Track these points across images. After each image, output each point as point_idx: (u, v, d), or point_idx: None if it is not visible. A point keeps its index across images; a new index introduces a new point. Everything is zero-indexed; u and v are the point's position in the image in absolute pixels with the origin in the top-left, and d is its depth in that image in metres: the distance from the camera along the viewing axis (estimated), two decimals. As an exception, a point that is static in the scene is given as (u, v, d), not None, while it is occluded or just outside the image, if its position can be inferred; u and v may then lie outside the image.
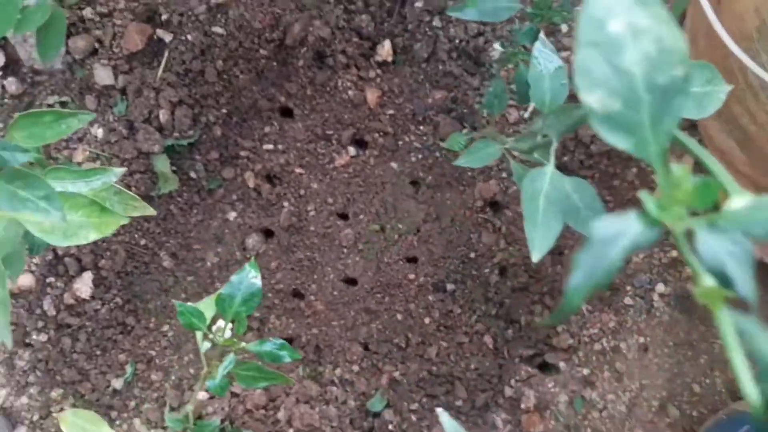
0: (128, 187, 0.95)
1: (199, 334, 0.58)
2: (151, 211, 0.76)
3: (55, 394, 0.98)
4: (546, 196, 0.64)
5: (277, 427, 0.98)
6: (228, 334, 0.59)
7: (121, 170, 0.64)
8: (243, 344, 0.58)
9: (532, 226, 0.62)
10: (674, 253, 0.98)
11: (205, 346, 0.58)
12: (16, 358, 0.99)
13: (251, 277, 0.58)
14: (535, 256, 0.61)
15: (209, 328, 0.60)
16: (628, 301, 0.99)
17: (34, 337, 0.98)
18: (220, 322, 0.58)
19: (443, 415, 0.39)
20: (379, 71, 0.98)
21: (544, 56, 0.68)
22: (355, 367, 1.00)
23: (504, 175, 0.99)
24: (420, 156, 1.00)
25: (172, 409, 1.00)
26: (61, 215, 0.50)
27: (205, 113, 0.97)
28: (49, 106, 0.97)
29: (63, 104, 0.97)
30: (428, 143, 0.99)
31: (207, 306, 0.68)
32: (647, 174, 0.96)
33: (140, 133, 0.94)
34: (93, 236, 0.54)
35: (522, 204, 0.62)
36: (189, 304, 0.67)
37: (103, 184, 0.64)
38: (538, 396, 1.00)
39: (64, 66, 0.97)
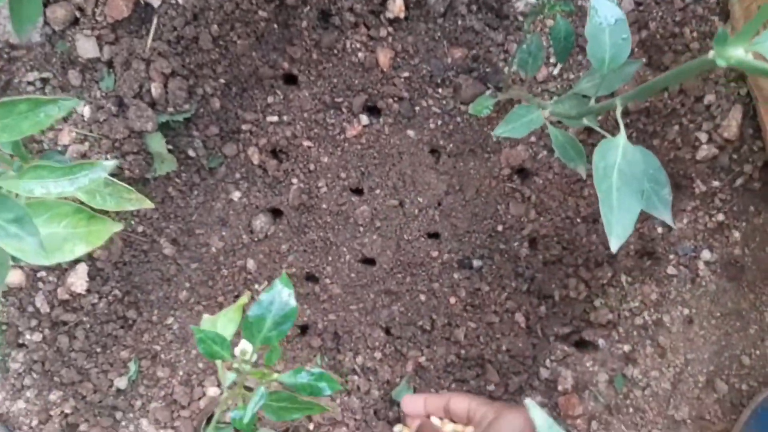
0: (121, 170, 0.86)
1: (219, 363, 0.50)
2: (148, 204, 0.68)
3: (54, 396, 0.91)
4: (620, 172, 0.56)
5: (296, 422, 0.91)
6: (254, 358, 0.50)
7: (111, 163, 0.56)
8: (275, 375, 0.50)
9: (609, 208, 0.54)
10: (720, 217, 0.89)
11: (229, 377, 0.49)
12: (10, 361, 0.91)
13: (285, 294, 0.49)
14: (614, 244, 0.53)
15: (232, 353, 0.52)
16: (671, 270, 0.91)
17: (28, 336, 0.90)
18: (244, 344, 0.49)
19: (533, 408, 0.30)
20: (390, 29, 0.88)
21: (603, 6, 0.59)
22: (378, 354, 0.92)
23: (533, 139, 0.91)
24: (439, 122, 0.91)
25: (182, 407, 0.92)
26: (36, 241, 0.41)
27: (201, 85, 0.88)
28: (29, 83, 0.88)
29: (44, 81, 0.88)
30: (448, 107, 0.90)
31: (227, 322, 0.59)
32: (689, 132, 0.88)
33: (131, 109, 0.85)
34: (81, 249, 0.45)
35: (595, 182, 0.54)
36: (208, 326, 0.58)
37: (91, 181, 0.55)
38: (576, 376, 0.92)
39: (43, 39, 0.88)
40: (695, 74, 0.85)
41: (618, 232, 0.56)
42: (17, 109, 0.53)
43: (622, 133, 0.59)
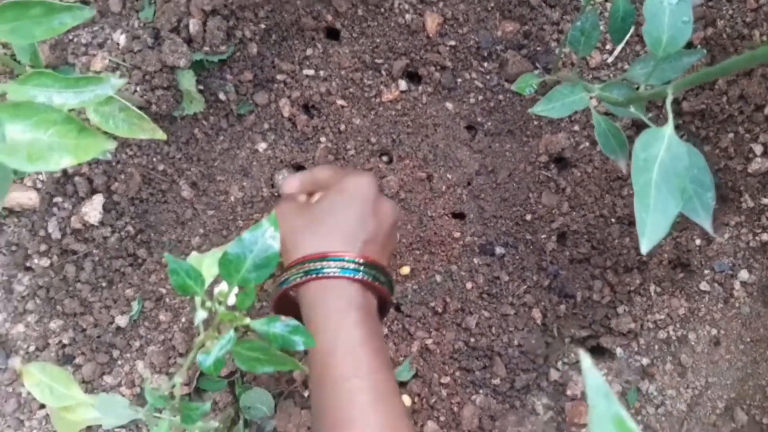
0: (149, 103, 0.84)
1: (197, 298, 0.47)
2: (161, 135, 0.65)
3: (55, 325, 0.89)
4: (661, 166, 0.51)
5: (291, 386, 0.88)
6: (231, 301, 0.47)
7: (120, 81, 0.53)
8: (247, 320, 0.46)
9: (644, 206, 0.49)
10: (765, 237, 0.84)
11: (200, 315, 0.46)
12: (15, 282, 0.90)
13: (269, 236, 0.45)
14: (645, 246, 0.48)
15: (209, 291, 0.49)
16: (704, 286, 0.86)
17: (36, 261, 0.89)
18: (224, 285, 0.46)
19: (586, 359, 0.25)
20: (442, -5, 0.84)
21: (667, -17, 0.55)
22: (384, 329, 0.89)
23: (576, 128, 0.86)
24: (480, 97, 0.87)
25: (180, 354, 0.90)
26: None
27: (240, 27, 0.85)
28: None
29: (85, 2, 0.86)
30: (491, 83, 0.86)
31: (212, 263, 0.56)
32: (744, 141, 0.82)
33: (166, 43, 0.83)
34: (66, 161, 0.42)
35: (632, 175, 0.50)
36: (194, 263, 0.55)
37: (96, 96, 0.52)
38: (588, 382, 0.87)
39: (89, -38, 0.86)
40: (764, 63, 0.79)
41: (651, 234, 0.52)
42: (30, 12, 0.51)
43: (670, 123, 0.54)
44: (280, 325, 0.45)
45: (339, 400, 0.54)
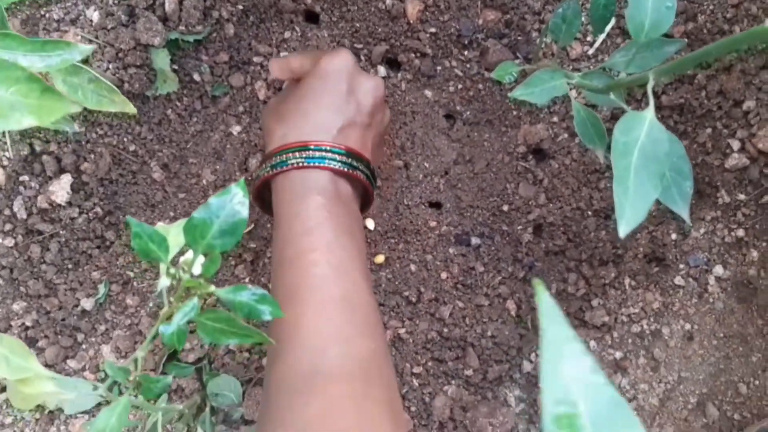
0: (121, 82, 0.82)
1: (162, 266, 0.45)
2: (131, 109, 0.63)
3: (18, 306, 0.87)
4: (641, 150, 0.50)
5: (260, 373, 0.87)
6: (197, 270, 0.45)
7: (88, 48, 0.51)
8: (212, 288, 0.45)
9: (623, 189, 0.49)
10: (741, 232, 0.84)
11: (163, 282, 0.44)
12: (-23, 262, 0.87)
13: (237, 202, 0.44)
14: (623, 230, 0.48)
15: (174, 259, 0.47)
16: (678, 281, 0.86)
17: (0, 240, 0.86)
18: (190, 254, 0.44)
19: (539, 286, 0.24)
20: (424, -19, 0.83)
21: (652, -33, 0.54)
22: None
23: (555, 119, 0.85)
24: (460, 86, 0.86)
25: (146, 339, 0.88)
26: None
27: (218, 7, 0.84)
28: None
29: (56, -23, 0.84)
30: (471, 72, 0.85)
31: (178, 232, 0.55)
32: (722, 137, 0.82)
33: (141, 21, 0.81)
34: (28, 121, 0.41)
35: (612, 159, 0.49)
36: (156, 225, 0.53)
37: (63, 61, 0.51)
38: (560, 376, 0.87)
39: (63, -65, 0.84)
40: (745, 46, 0.79)
41: (629, 217, 0.51)
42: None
43: (651, 108, 0.54)
44: (247, 294, 0.43)
45: (293, 275, 0.52)
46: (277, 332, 0.51)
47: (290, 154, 0.57)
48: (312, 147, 0.57)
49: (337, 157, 0.57)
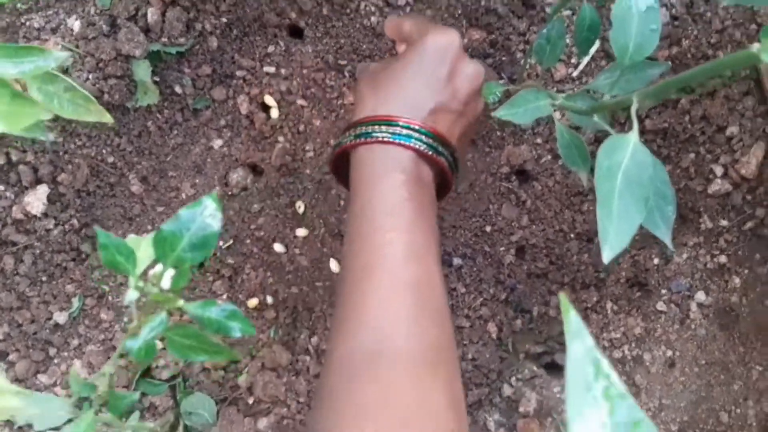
0: (101, 92, 0.81)
1: (131, 279, 0.44)
2: (108, 119, 0.62)
3: (-12, 319, 0.85)
4: (625, 174, 0.50)
5: (236, 393, 0.85)
6: (166, 284, 0.44)
7: (63, 55, 0.50)
8: (181, 302, 0.43)
9: (607, 213, 0.48)
10: (723, 259, 0.83)
11: (131, 295, 0.43)
12: (-52, 272, 0.85)
13: (208, 214, 0.42)
14: (607, 255, 0.47)
15: (144, 272, 0.46)
16: (660, 306, 0.85)
17: (-28, 251, 0.84)
18: (160, 267, 0.43)
19: (565, 301, 0.23)
20: (410, -1, 0.83)
21: (636, -10, 0.54)
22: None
23: (539, 140, 0.85)
24: (444, 105, 0.85)
25: (121, 356, 0.86)
26: None
27: (201, 20, 0.83)
28: (24, -13, 0.83)
29: (39, -13, 0.83)
30: (455, 91, 0.85)
31: (149, 244, 0.53)
32: (705, 162, 0.82)
33: (122, 31, 0.80)
34: (-2, 128, 0.40)
35: (596, 182, 0.48)
36: (125, 237, 0.52)
37: (37, 68, 0.50)
38: (541, 400, 0.86)
39: (47, -56, 0.83)
40: (731, 69, 0.79)
41: (613, 242, 0.50)
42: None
43: (635, 130, 0.53)
44: (216, 310, 0.42)
45: (367, 252, 0.49)
46: (342, 309, 0.49)
47: (376, 127, 0.55)
48: (401, 123, 0.55)
49: (424, 138, 0.55)
